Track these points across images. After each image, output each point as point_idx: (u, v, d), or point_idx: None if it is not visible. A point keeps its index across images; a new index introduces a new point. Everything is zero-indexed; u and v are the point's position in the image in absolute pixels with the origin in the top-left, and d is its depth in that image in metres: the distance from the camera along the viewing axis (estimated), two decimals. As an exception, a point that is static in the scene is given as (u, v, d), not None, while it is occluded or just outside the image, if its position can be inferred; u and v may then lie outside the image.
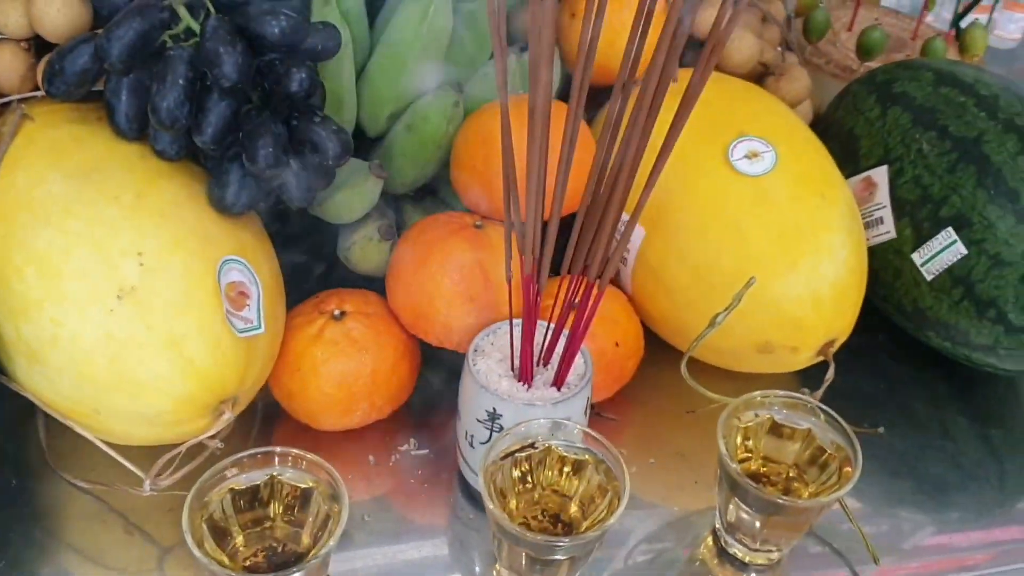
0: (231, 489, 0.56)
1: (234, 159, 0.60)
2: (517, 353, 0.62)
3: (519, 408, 0.60)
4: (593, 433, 0.58)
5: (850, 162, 0.75)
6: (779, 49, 0.86)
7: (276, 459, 0.56)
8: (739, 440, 0.63)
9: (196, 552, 0.51)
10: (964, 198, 0.68)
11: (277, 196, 0.62)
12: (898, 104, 0.73)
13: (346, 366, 0.64)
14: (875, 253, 0.72)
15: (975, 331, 0.68)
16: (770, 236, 0.65)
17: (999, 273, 0.66)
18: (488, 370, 0.62)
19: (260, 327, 0.60)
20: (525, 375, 0.61)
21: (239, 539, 0.56)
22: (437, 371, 0.72)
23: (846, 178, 0.75)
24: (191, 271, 0.58)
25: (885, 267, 0.72)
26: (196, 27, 0.59)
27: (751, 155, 0.67)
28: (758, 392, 0.62)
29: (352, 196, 0.68)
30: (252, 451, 0.56)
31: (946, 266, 0.68)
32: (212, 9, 0.60)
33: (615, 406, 0.72)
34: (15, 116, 0.63)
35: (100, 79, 0.61)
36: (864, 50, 0.88)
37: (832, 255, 0.66)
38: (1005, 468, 0.72)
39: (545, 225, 0.57)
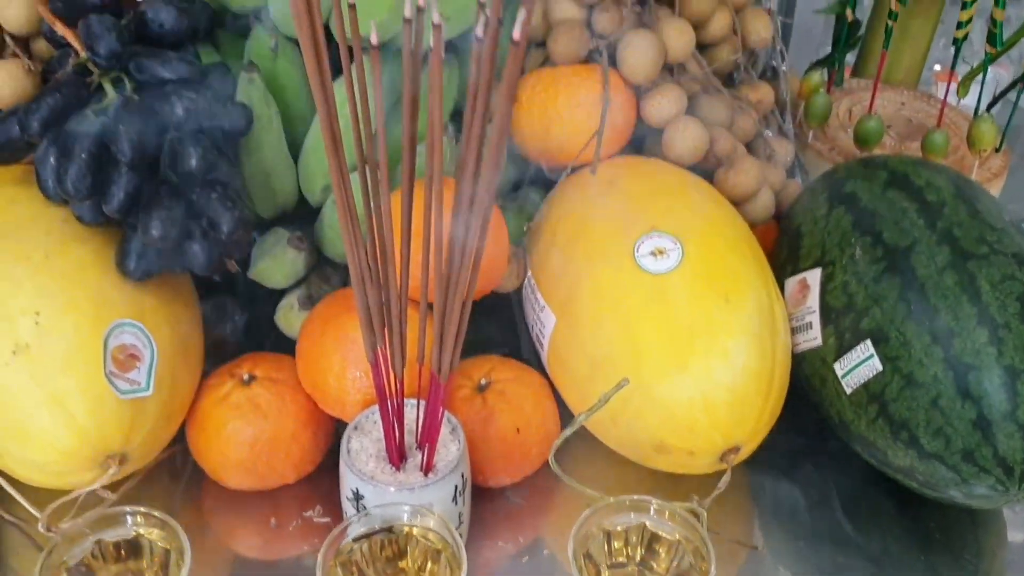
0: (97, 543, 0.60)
1: (136, 228, 0.64)
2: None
3: (379, 490, 0.61)
4: (444, 519, 0.58)
5: (791, 261, 0.72)
6: (768, 134, 0.84)
7: (128, 517, 0.59)
8: (619, 544, 0.62)
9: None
10: (885, 311, 0.64)
11: (183, 264, 0.66)
12: (844, 204, 0.70)
13: (245, 431, 0.67)
14: (805, 359, 0.69)
15: (891, 452, 0.64)
16: (661, 336, 0.64)
17: (911, 394, 0.62)
18: (361, 449, 0.63)
19: (148, 389, 0.63)
20: (392, 457, 0.62)
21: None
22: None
23: (786, 278, 0.72)
24: (81, 332, 0.62)
25: (813, 374, 0.69)
26: (118, 99, 0.64)
27: (657, 252, 0.66)
28: (627, 497, 0.61)
29: (273, 265, 0.70)
30: (109, 509, 0.59)
31: (863, 381, 0.65)
32: (129, 86, 0.64)
33: (527, 489, 0.72)
34: (-31, 176, 0.69)
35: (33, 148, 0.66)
36: (860, 140, 0.85)
37: (728, 360, 0.64)
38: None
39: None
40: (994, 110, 0.91)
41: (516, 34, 0.40)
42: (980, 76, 0.91)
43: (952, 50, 0.88)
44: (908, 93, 0.96)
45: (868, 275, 0.66)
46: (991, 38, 0.85)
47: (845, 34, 0.90)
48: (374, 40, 0.44)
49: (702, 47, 0.80)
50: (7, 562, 0.66)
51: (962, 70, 0.94)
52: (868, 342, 0.65)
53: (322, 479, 0.71)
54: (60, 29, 0.65)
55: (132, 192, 0.62)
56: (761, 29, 0.81)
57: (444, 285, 0.55)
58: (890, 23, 0.86)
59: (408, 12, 0.45)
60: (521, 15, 0.40)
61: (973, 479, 0.61)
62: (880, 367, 0.64)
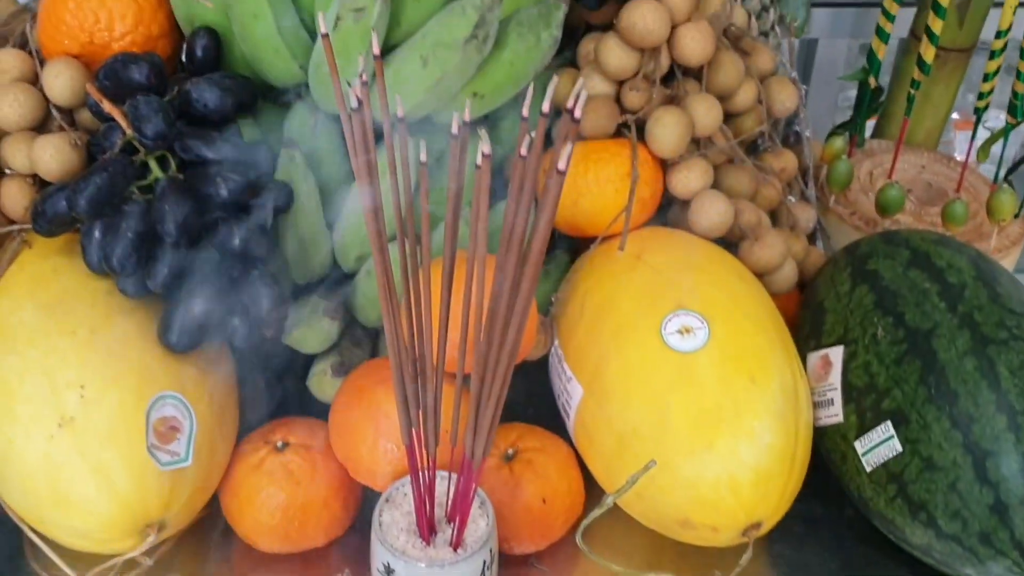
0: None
1: (180, 303, 0.66)
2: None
3: (410, 566, 0.62)
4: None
5: (814, 336, 0.74)
6: (791, 200, 0.86)
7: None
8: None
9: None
10: (906, 393, 0.66)
11: (223, 336, 0.68)
12: (867, 282, 0.72)
13: (278, 498, 0.69)
14: (826, 433, 0.71)
15: (909, 531, 0.66)
16: (689, 415, 0.66)
17: (930, 477, 0.64)
18: (392, 522, 0.65)
19: (187, 460, 0.65)
20: (422, 532, 0.64)
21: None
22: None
23: (809, 352, 0.74)
24: (125, 406, 0.64)
25: (834, 449, 0.71)
26: (164, 179, 0.66)
27: (684, 330, 0.67)
28: (653, 575, 0.62)
29: (307, 333, 0.72)
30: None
31: (883, 460, 0.66)
32: (175, 166, 0.66)
33: (552, 557, 0.73)
34: (15, 243, 0.71)
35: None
36: (881, 208, 0.86)
37: (754, 440, 0.65)
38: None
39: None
40: (1014, 175, 0.92)
41: (561, 165, 0.42)
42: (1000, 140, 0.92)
43: (971, 97, 0.90)
44: (928, 155, 0.98)
45: (890, 356, 0.67)
46: (1012, 109, 0.87)
47: (868, 100, 0.92)
48: (423, 157, 0.46)
49: (728, 115, 0.82)
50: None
51: (982, 134, 0.96)
52: (889, 423, 0.66)
53: (350, 542, 0.73)
54: (107, 107, 0.67)
55: (176, 269, 0.65)
56: (786, 99, 0.83)
57: (480, 375, 0.56)
58: (912, 91, 0.88)
59: (456, 129, 0.46)
60: (567, 148, 0.41)
61: (990, 560, 0.63)
62: (900, 448, 0.65)
